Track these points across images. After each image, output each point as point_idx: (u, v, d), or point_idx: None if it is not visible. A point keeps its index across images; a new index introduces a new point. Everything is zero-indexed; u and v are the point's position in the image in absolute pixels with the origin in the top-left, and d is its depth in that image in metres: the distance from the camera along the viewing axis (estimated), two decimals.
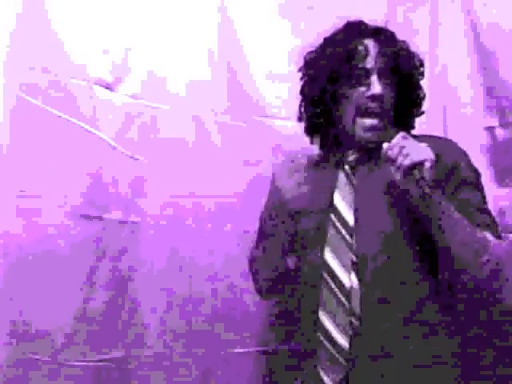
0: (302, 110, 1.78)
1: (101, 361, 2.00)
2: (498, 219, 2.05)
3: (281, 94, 2.21)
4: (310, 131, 1.79)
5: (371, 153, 1.67)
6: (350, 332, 1.60)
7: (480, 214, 1.64)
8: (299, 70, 1.79)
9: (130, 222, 2.07)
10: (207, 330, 2.10)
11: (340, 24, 1.78)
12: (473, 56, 2.13)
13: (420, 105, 1.78)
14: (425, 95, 1.78)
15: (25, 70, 1.94)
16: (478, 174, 1.71)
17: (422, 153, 1.51)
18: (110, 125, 2.05)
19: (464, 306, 1.79)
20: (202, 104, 2.17)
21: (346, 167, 1.71)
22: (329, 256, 1.65)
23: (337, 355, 1.60)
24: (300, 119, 1.80)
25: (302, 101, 1.79)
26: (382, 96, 1.65)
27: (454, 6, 2.19)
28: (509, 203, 2.07)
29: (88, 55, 2.02)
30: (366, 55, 1.66)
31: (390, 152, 1.53)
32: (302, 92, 1.78)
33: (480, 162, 2.10)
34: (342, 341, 1.59)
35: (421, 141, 1.56)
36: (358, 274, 1.61)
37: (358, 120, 1.67)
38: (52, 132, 1.97)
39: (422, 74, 1.76)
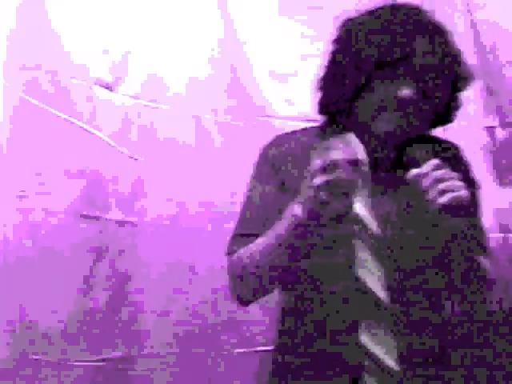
0: (322, 82, 1.60)
1: (100, 361, 2.00)
2: (497, 219, 2.07)
3: (282, 93, 2.21)
4: (324, 107, 1.61)
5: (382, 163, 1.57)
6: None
7: (474, 229, 1.56)
8: (336, 32, 1.59)
9: (129, 222, 2.07)
10: (207, 330, 2.10)
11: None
12: (473, 56, 2.13)
13: (450, 115, 1.64)
14: (459, 107, 1.64)
15: (25, 70, 1.94)
16: (478, 187, 1.63)
17: (458, 188, 1.39)
18: (110, 125, 2.05)
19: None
20: (202, 104, 2.17)
21: None
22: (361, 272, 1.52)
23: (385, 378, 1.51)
24: (320, 88, 1.61)
25: (326, 70, 1.60)
26: (411, 100, 1.48)
27: (454, 5, 2.19)
28: (509, 203, 2.07)
29: (88, 55, 2.02)
30: (414, 53, 1.48)
31: (422, 181, 1.39)
32: (330, 61, 1.59)
33: (480, 161, 2.11)
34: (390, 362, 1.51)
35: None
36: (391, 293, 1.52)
37: (379, 114, 1.50)
38: (52, 132, 1.97)
39: (466, 86, 1.60)
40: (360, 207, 1.52)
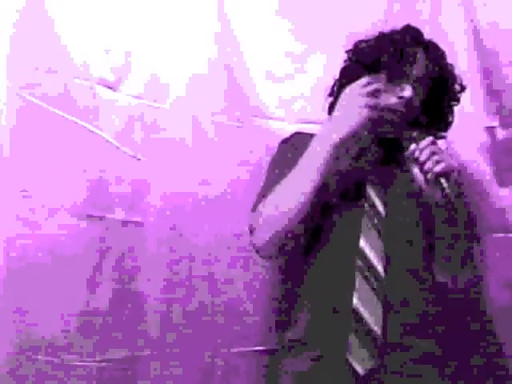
0: (335, 88, 1.85)
1: (104, 361, 2.00)
2: (497, 219, 2.08)
3: (278, 94, 2.21)
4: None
5: (389, 155, 1.77)
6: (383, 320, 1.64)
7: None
8: (347, 52, 1.85)
9: (132, 222, 2.06)
10: (208, 330, 2.10)
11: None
12: (473, 56, 2.14)
13: (444, 128, 1.87)
14: (452, 121, 1.89)
15: (27, 70, 1.94)
16: None
17: (450, 161, 1.58)
18: (113, 125, 2.05)
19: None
20: (200, 104, 2.16)
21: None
22: (364, 244, 1.69)
23: (370, 343, 1.63)
24: (331, 95, 1.86)
25: (338, 79, 1.85)
26: (410, 100, 1.71)
27: (454, 5, 2.19)
28: (509, 203, 2.08)
29: (90, 55, 2.02)
30: (412, 61, 1.74)
31: (417, 154, 1.59)
32: (342, 72, 1.85)
33: (480, 161, 2.12)
34: (376, 328, 1.64)
35: None
36: (387, 266, 1.67)
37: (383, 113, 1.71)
38: (54, 132, 1.97)
39: (458, 99, 1.87)
40: (371, 190, 1.73)
